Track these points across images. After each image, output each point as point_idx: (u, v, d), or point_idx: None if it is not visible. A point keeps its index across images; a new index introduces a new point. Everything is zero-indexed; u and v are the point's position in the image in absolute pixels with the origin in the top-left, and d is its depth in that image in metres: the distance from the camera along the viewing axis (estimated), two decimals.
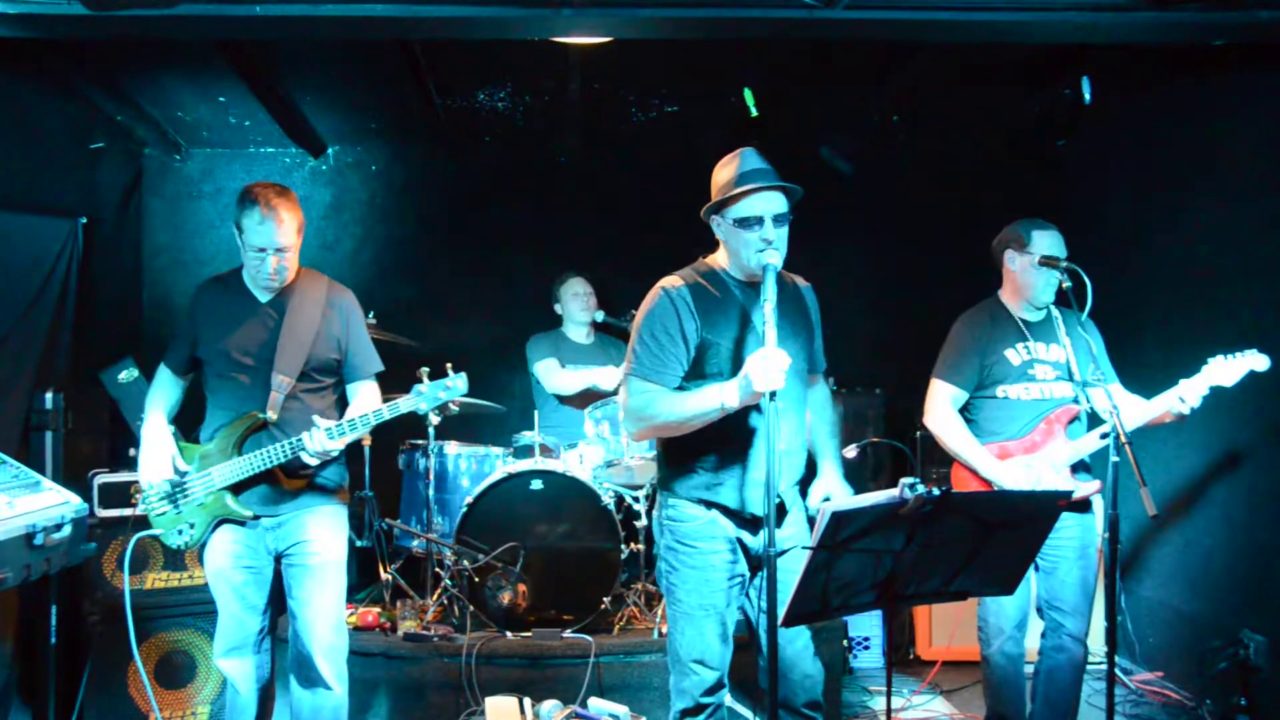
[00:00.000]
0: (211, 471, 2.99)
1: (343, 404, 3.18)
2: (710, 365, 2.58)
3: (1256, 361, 3.13)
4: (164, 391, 3.12)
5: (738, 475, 2.57)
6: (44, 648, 3.03)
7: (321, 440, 2.87)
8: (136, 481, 3.68)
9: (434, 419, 4.18)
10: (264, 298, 3.06)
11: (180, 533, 3.03)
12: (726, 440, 2.56)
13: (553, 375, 4.71)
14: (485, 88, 4.48)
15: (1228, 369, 3.13)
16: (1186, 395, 3.12)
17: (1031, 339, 3.32)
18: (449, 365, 3.01)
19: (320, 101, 4.69)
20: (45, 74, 4.04)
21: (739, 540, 2.61)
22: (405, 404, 2.97)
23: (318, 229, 5.27)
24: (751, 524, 2.61)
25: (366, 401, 3.13)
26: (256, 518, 3.02)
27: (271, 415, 2.98)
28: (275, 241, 2.92)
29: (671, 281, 2.64)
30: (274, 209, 2.90)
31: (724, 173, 2.61)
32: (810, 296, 2.84)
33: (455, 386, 2.98)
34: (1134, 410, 3.20)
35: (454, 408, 3.02)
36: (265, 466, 2.95)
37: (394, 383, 3.22)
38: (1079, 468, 3.29)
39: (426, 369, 3.01)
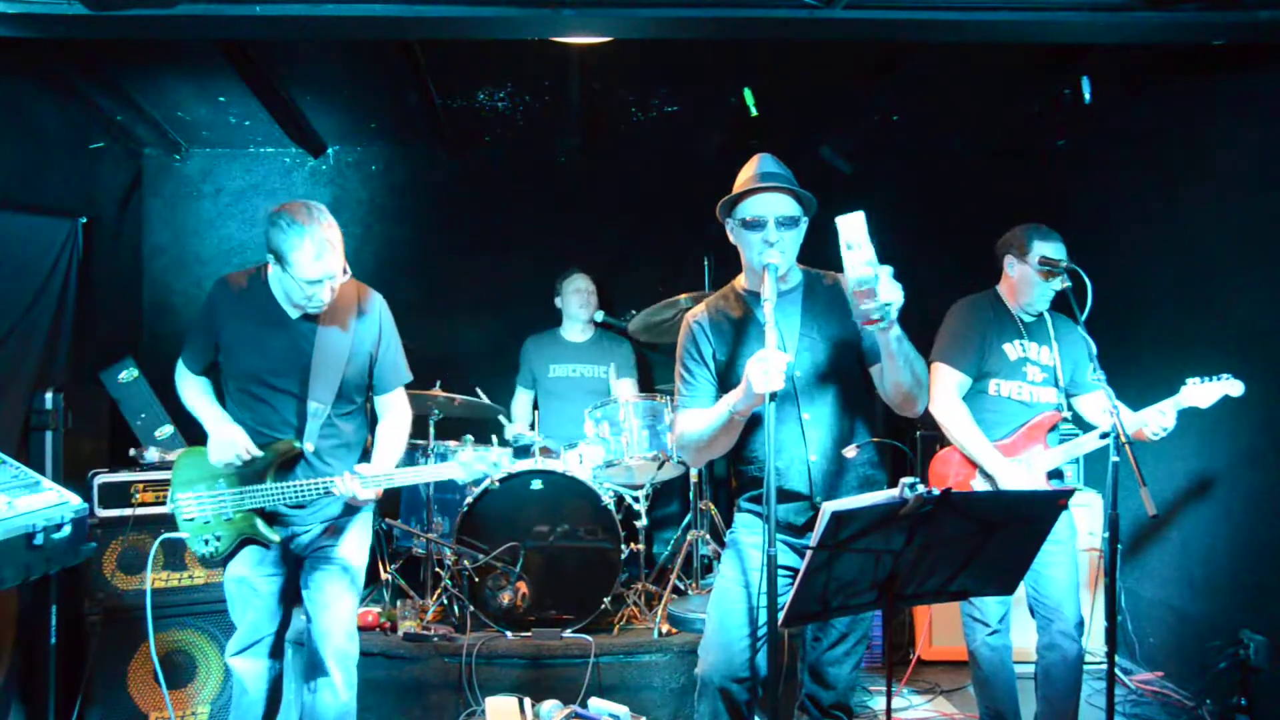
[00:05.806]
0: (243, 491, 2.90)
1: (372, 418, 3.11)
2: (735, 379, 2.56)
3: (1231, 387, 3.18)
4: (200, 387, 3.02)
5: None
6: (44, 648, 3.04)
7: (355, 487, 2.84)
8: (137, 481, 3.71)
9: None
10: (294, 314, 2.91)
11: (206, 542, 2.94)
12: (760, 452, 2.59)
13: (517, 405, 5.00)
14: (485, 88, 4.48)
15: (1202, 392, 3.18)
16: (1149, 422, 3.15)
17: (1026, 338, 3.35)
18: (494, 439, 2.98)
19: (320, 101, 4.69)
20: (45, 74, 4.04)
21: (783, 544, 2.60)
22: (448, 470, 2.96)
23: None
24: (786, 530, 2.59)
25: (395, 421, 3.09)
26: (281, 541, 2.96)
27: (309, 446, 2.90)
28: (329, 272, 2.77)
29: (693, 311, 2.75)
30: (325, 240, 2.74)
31: (740, 176, 2.64)
32: None
33: (500, 464, 3.00)
34: (1084, 440, 3.26)
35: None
36: (293, 502, 2.90)
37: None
38: (1052, 474, 3.32)
39: (471, 437, 2.96)
